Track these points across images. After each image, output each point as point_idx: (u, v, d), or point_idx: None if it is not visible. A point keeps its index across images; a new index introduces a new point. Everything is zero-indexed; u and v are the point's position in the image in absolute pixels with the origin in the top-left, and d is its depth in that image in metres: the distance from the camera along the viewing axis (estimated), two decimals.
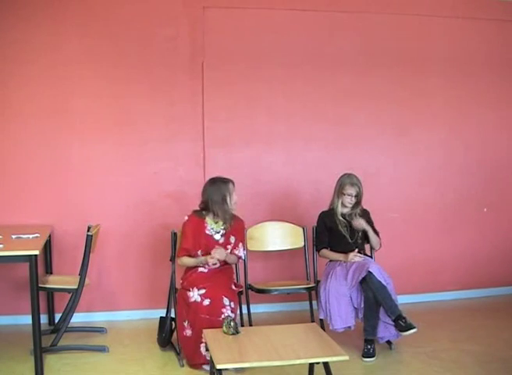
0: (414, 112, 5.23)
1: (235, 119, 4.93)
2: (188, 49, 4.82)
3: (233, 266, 4.17)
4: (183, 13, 4.79)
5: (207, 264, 3.87)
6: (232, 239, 4.01)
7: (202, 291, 3.72)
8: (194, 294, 3.71)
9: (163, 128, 4.81)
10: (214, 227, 3.97)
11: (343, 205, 4.23)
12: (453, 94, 5.30)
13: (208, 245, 3.93)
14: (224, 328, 3.15)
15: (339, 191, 4.22)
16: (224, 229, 3.97)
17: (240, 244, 4.05)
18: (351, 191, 4.17)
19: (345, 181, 4.19)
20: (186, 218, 3.99)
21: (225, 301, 3.69)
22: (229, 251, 3.98)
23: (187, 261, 3.94)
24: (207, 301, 3.67)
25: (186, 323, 3.71)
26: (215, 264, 3.87)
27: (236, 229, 4.04)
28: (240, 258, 4.10)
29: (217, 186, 3.93)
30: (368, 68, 5.10)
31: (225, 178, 4.00)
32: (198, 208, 4.01)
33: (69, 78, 4.63)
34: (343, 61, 5.06)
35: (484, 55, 5.35)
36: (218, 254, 3.83)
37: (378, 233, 4.32)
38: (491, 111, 5.39)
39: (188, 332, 3.70)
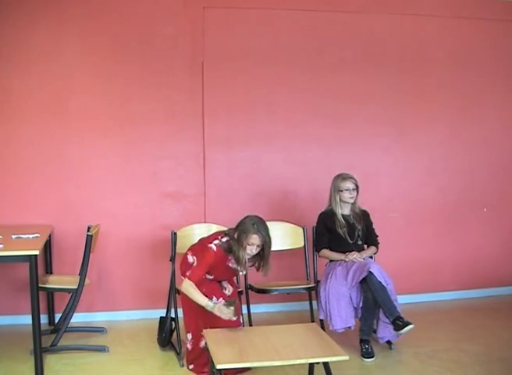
0: (414, 111, 5.23)
1: (235, 119, 4.93)
2: (188, 49, 4.82)
3: None
4: (183, 13, 4.79)
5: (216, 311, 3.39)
6: None
7: None
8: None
9: (163, 128, 4.81)
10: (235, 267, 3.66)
11: (344, 202, 4.22)
12: (453, 94, 5.30)
13: (226, 274, 3.73)
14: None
15: (336, 190, 4.22)
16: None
17: None
18: (348, 184, 4.17)
19: (338, 179, 4.22)
20: (214, 248, 3.54)
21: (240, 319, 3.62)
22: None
23: (196, 295, 3.45)
24: None
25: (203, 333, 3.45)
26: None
27: None
28: None
29: (245, 226, 3.50)
30: (367, 68, 5.10)
31: (257, 224, 3.50)
32: (226, 241, 3.58)
33: (69, 78, 4.63)
34: (343, 61, 5.07)
35: (484, 54, 5.35)
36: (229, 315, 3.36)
37: (377, 236, 4.33)
38: (491, 111, 5.40)
39: (203, 343, 3.49)
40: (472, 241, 5.39)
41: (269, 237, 3.52)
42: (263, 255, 3.56)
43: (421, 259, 5.28)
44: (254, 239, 3.47)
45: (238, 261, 3.54)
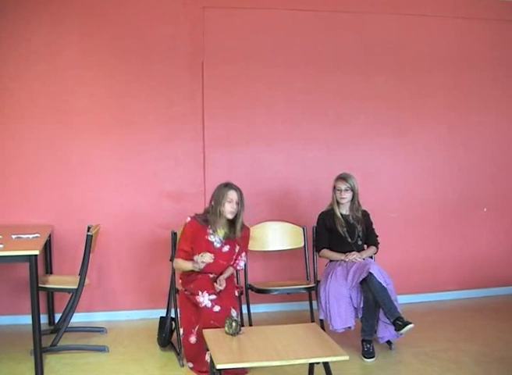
0: (414, 112, 5.23)
1: (235, 119, 4.93)
2: (188, 49, 4.83)
3: None
4: (182, 13, 4.79)
5: (198, 266, 3.68)
6: (237, 248, 3.88)
7: (213, 297, 3.61)
8: (205, 299, 3.59)
9: (163, 128, 4.81)
10: (214, 235, 3.81)
11: (339, 203, 4.24)
12: (452, 94, 5.31)
13: (209, 251, 3.75)
14: (226, 328, 3.15)
15: (333, 188, 4.26)
16: (224, 239, 3.81)
17: (243, 254, 3.94)
18: (340, 185, 4.20)
19: (336, 178, 4.26)
20: (188, 220, 3.80)
21: (233, 312, 3.60)
22: (232, 262, 3.89)
23: (183, 265, 3.76)
24: (217, 308, 3.56)
25: (195, 329, 3.58)
26: (205, 268, 3.73)
27: (242, 237, 3.87)
28: (237, 269, 4.04)
29: (218, 190, 3.77)
30: (367, 68, 5.11)
31: (230, 184, 3.78)
32: (202, 213, 3.84)
33: (69, 78, 4.63)
34: (343, 61, 5.07)
35: (484, 54, 5.35)
36: (208, 258, 3.65)
37: (377, 236, 4.34)
38: (491, 111, 5.40)
39: (193, 339, 3.59)
40: (472, 240, 5.40)
41: (242, 193, 3.76)
42: (238, 213, 3.76)
43: (421, 259, 5.28)
44: (232, 194, 3.72)
45: (216, 220, 3.72)
